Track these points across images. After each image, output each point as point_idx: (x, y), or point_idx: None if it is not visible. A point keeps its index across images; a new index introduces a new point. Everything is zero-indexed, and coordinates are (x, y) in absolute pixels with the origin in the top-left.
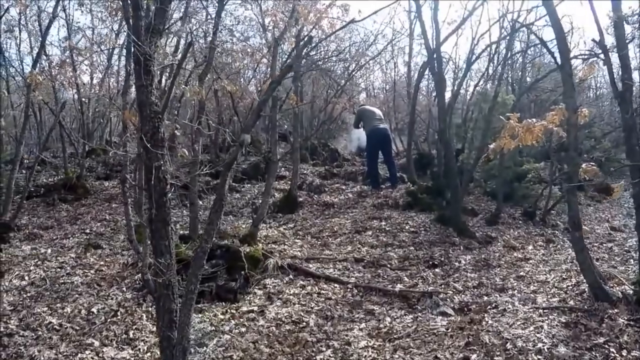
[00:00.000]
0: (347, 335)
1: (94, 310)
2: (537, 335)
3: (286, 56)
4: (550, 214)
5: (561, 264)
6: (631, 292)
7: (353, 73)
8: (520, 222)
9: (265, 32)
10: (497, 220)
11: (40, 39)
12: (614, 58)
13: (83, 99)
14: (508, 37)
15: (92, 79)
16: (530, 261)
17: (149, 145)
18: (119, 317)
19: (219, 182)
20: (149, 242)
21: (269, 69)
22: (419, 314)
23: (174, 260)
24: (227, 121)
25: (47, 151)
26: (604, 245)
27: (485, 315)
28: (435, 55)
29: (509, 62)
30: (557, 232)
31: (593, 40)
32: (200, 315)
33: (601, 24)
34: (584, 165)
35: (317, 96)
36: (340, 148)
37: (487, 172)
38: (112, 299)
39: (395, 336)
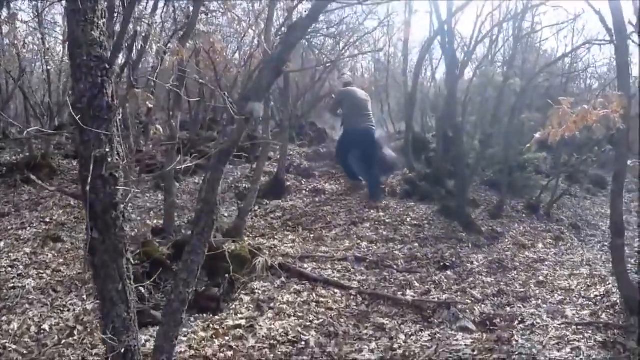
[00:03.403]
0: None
1: (46, 326)
2: (576, 359)
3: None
4: (553, 208)
5: (579, 267)
6: None
7: (344, 49)
8: (524, 215)
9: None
10: (501, 214)
11: None
12: None
13: (49, 68)
14: (518, 17)
15: (64, 47)
16: (546, 263)
17: (82, 121)
18: (75, 338)
19: (205, 181)
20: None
21: (255, 40)
22: (437, 329)
23: (134, 313)
24: (209, 96)
25: (14, 127)
26: None
27: (514, 332)
28: (446, 28)
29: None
30: (563, 228)
31: (629, 22)
32: None
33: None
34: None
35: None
36: (328, 128)
37: (488, 160)
38: (68, 310)
39: None
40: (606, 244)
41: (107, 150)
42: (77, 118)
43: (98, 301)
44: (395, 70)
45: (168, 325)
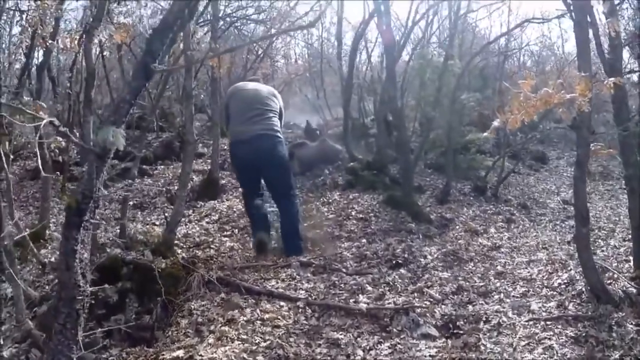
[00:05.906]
0: None
1: None
2: None
3: None
4: (500, 188)
5: (536, 252)
6: (634, 290)
7: (275, 36)
8: (471, 198)
9: None
10: (448, 198)
11: None
12: None
13: None
14: None
15: None
16: (502, 250)
17: None
18: None
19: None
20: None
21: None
22: (397, 339)
23: None
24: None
25: None
26: (566, 223)
27: (480, 334)
28: (382, 8)
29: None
30: (512, 209)
31: None
32: None
33: None
34: (592, 147)
35: (236, 63)
36: None
37: (430, 143)
38: None
39: None
40: (557, 222)
41: None
42: None
43: None
44: (329, 55)
45: None
